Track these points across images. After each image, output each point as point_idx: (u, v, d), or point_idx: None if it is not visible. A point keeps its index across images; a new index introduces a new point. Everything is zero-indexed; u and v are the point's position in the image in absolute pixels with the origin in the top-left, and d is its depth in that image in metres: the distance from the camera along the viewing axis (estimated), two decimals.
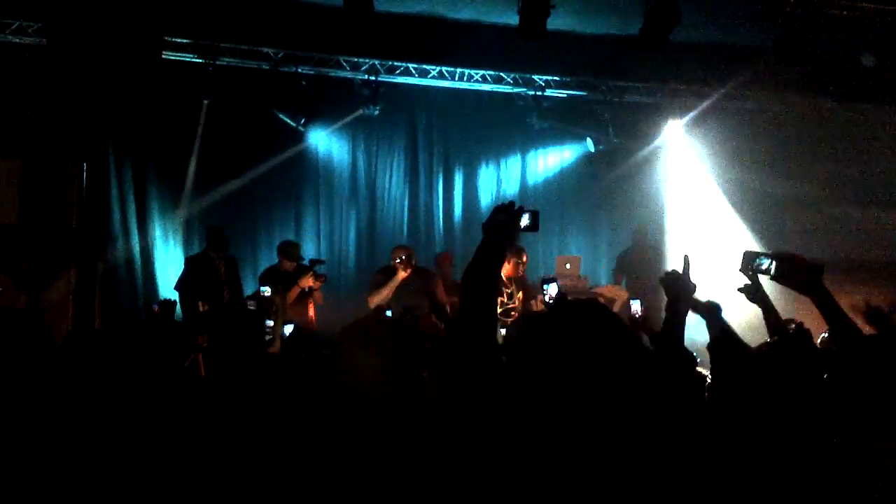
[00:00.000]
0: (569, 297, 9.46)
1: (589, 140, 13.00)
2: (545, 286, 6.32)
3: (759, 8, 10.14)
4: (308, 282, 9.42)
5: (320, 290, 9.79)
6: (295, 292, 9.43)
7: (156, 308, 7.90)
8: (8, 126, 9.64)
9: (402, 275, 8.97)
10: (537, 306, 8.75)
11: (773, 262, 3.29)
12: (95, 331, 8.17)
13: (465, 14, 10.79)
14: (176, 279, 10.23)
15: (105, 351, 4.12)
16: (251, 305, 6.99)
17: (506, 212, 3.10)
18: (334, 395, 2.90)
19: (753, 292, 4.12)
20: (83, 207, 9.91)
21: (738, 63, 11.69)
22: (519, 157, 13.32)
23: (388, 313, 7.13)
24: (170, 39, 10.27)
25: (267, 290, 8.23)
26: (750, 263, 3.45)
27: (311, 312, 9.72)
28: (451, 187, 13.05)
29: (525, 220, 3.17)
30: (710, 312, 3.46)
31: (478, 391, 2.65)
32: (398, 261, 8.94)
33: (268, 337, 7.60)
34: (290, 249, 9.99)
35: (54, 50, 7.12)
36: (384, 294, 8.95)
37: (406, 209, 12.77)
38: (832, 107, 12.62)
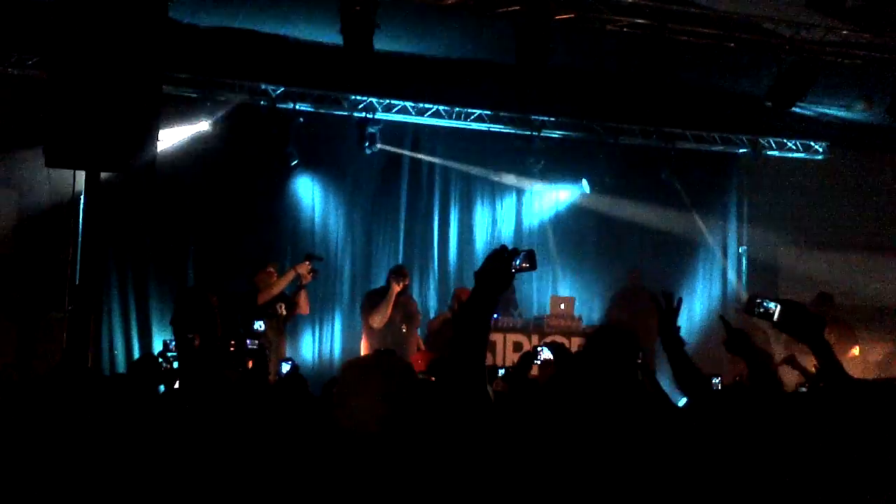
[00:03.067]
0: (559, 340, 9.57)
1: (584, 182, 13.06)
2: (538, 348, 6.49)
3: (753, 55, 10.24)
4: (303, 268, 9.57)
5: (307, 299, 9.97)
6: (289, 276, 9.59)
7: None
8: (5, 157, 9.66)
9: (396, 288, 9.57)
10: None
11: (779, 309, 3.35)
12: (87, 369, 8.13)
13: (464, 53, 10.86)
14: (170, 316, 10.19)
15: (96, 387, 4.12)
16: (253, 344, 6.96)
17: (497, 259, 3.14)
18: (329, 431, 2.93)
19: (739, 344, 4.10)
20: (80, 240, 9.90)
21: (734, 107, 11.81)
22: (515, 194, 13.33)
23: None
24: (169, 74, 10.32)
25: (261, 325, 8.22)
26: (755, 307, 3.49)
27: (304, 300, 9.92)
28: (447, 225, 13.04)
29: (521, 261, 3.20)
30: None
31: (469, 436, 2.71)
32: (392, 276, 9.74)
33: None
34: (261, 274, 9.94)
35: (54, 82, 7.16)
36: (383, 311, 9.30)
37: (401, 245, 12.74)
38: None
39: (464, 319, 3.08)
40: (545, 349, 6.28)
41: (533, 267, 3.22)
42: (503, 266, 3.13)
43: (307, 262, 9.63)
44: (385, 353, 3.94)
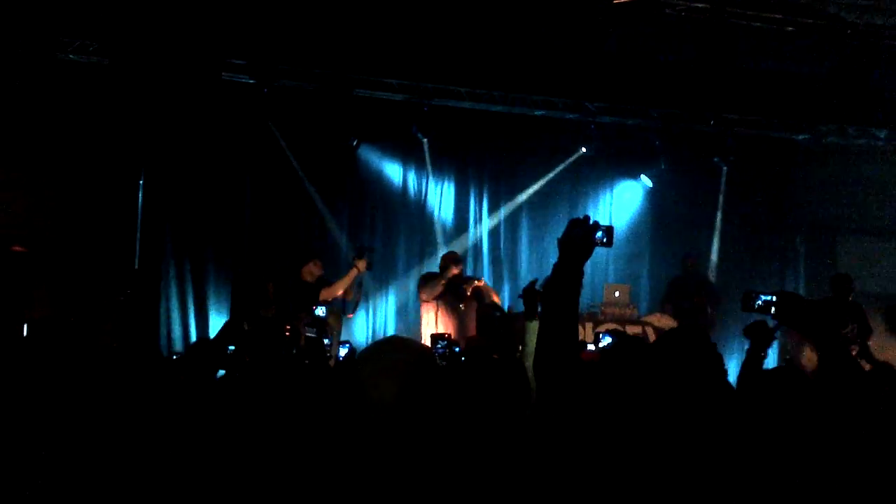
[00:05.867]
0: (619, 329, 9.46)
1: (644, 177, 12.91)
2: (602, 336, 6.35)
3: (815, 37, 10.08)
4: (363, 264, 9.88)
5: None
6: (352, 274, 9.89)
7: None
8: (64, 144, 9.74)
9: (454, 271, 9.98)
10: None
11: (776, 300, 3.31)
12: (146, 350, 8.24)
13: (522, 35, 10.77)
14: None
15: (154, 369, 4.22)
16: (311, 332, 7.01)
17: (581, 226, 3.04)
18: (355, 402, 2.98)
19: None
20: (139, 225, 10.01)
21: (795, 92, 11.62)
22: (569, 184, 13.16)
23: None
24: (226, 60, 10.34)
25: (321, 311, 8.25)
26: (752, 301, 3.46)
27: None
28: (499, 214, 12.99)
29: (599, 236, 3.11)
30: None
31: (566, 412, 2.67)
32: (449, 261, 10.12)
33: None
34: (309, 266, 10.13)
35: (116, 69, 7.24)
36: (433, 287, 9.92)
37: (454, 232, 12.74)
38: None
39: (552, 291, 2.97)
40: (607, 336, 6.17)
41: (609, 243, 3.13)
42: (586, 234, 3.03)
43: (364, 259, 9.90)
44: (396, 339, 3.95)
